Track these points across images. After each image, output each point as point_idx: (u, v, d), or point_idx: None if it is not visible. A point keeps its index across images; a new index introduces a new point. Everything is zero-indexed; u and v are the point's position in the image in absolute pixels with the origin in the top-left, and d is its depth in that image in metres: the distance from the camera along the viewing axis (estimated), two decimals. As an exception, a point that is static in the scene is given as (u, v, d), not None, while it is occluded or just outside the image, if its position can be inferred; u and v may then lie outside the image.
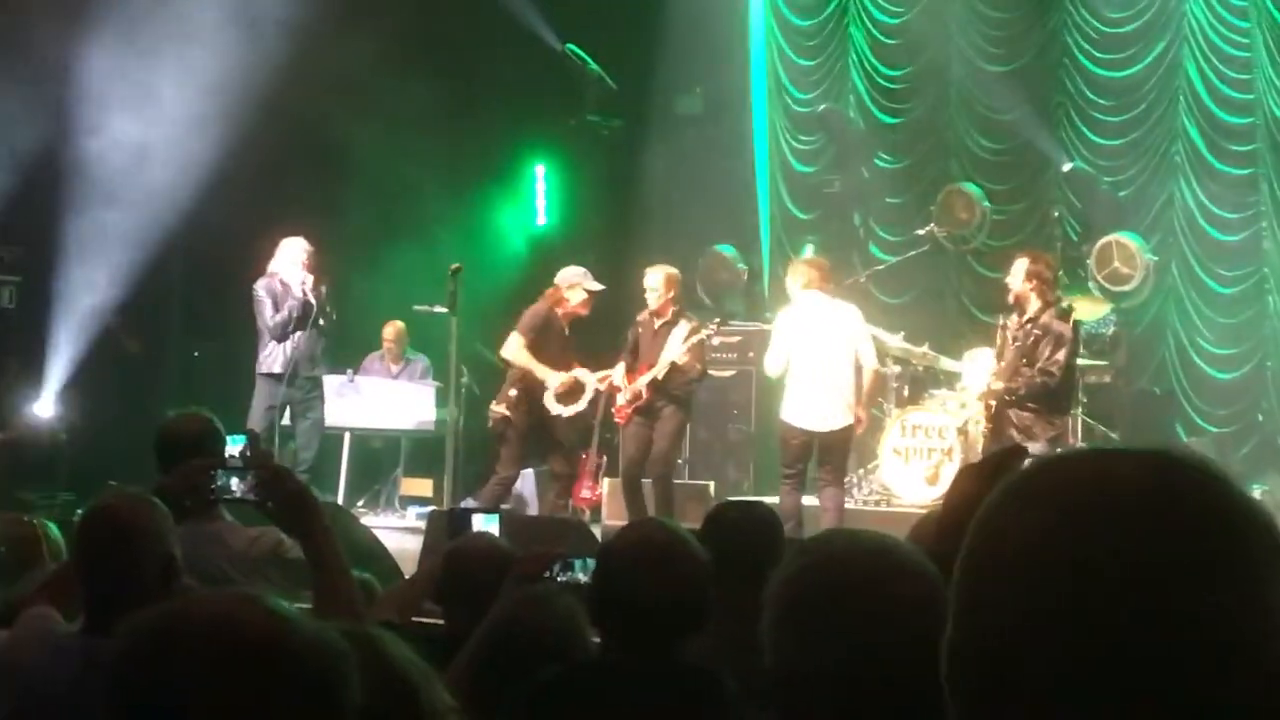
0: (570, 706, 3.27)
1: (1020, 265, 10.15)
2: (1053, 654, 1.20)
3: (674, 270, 11.45)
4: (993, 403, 10.21)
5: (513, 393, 11.34)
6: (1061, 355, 9.91)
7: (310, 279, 11.88)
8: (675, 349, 11.12)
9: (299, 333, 11.91)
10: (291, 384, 11.93)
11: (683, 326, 11.23)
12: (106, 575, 3.67)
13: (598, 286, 11.43)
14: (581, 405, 11.45)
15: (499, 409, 11.45)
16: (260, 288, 11.95)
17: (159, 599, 3.15)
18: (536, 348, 11.32)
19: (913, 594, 2.19)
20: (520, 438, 11.39)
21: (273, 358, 11.93)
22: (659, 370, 11.15)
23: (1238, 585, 1.20)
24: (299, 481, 3.87)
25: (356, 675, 1.69)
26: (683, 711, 3.15)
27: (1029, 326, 10.00)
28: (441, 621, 4.58)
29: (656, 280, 11.28)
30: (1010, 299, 10.22)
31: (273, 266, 11.99)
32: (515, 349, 11.37)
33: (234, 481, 3.92)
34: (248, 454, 4.53)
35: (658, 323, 11.30)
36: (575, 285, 11.37)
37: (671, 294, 11.27)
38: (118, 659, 1.68)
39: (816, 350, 10.55)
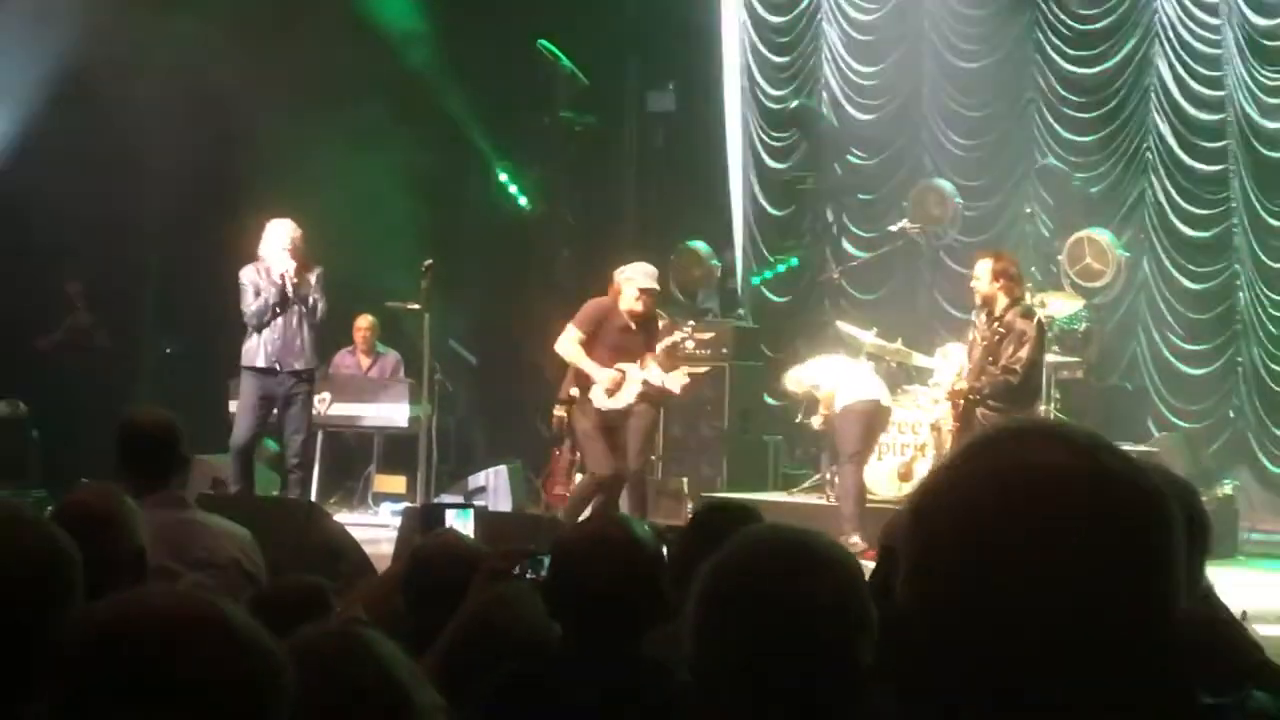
0: (527, 700, 3.28)
1: (985, 266, 10.16)
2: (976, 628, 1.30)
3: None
4: (960, 402, 10.23)
5: (574, 391, 10.81)
6: (1024, 353, 9.92)
7: (293, 266, 11.15)
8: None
9: (278, 322, 11.18)
10: (276, 377, 11.23)
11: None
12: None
13: (648, 285, 10.79)
14: (630, 398, 10.82)
15: (558, 411, 11.24)
16: (244, 274, 11.29)
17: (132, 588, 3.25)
18: (592, 342, 10.74)
19: (829, 587, 2.23)
20: (596, 434, 10.74)
21: (253, 350, 11.24)
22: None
23: (1150, 569, 1.31)
24: None
25: (292, 673, 1.76)
26: (634, 703, 3.17)
27: (995, 325, 10.03)
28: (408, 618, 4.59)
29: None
30: (979, 300, 10.23)
31: (260, 250, 11.31)
32: (566, 343, 10.75)
33: None
34: None
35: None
36: (629, 280, 10.77)
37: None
38: (67, 647, 1.76)
39: None
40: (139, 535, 3.83)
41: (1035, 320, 10.17)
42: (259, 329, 11.19)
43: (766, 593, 2.22)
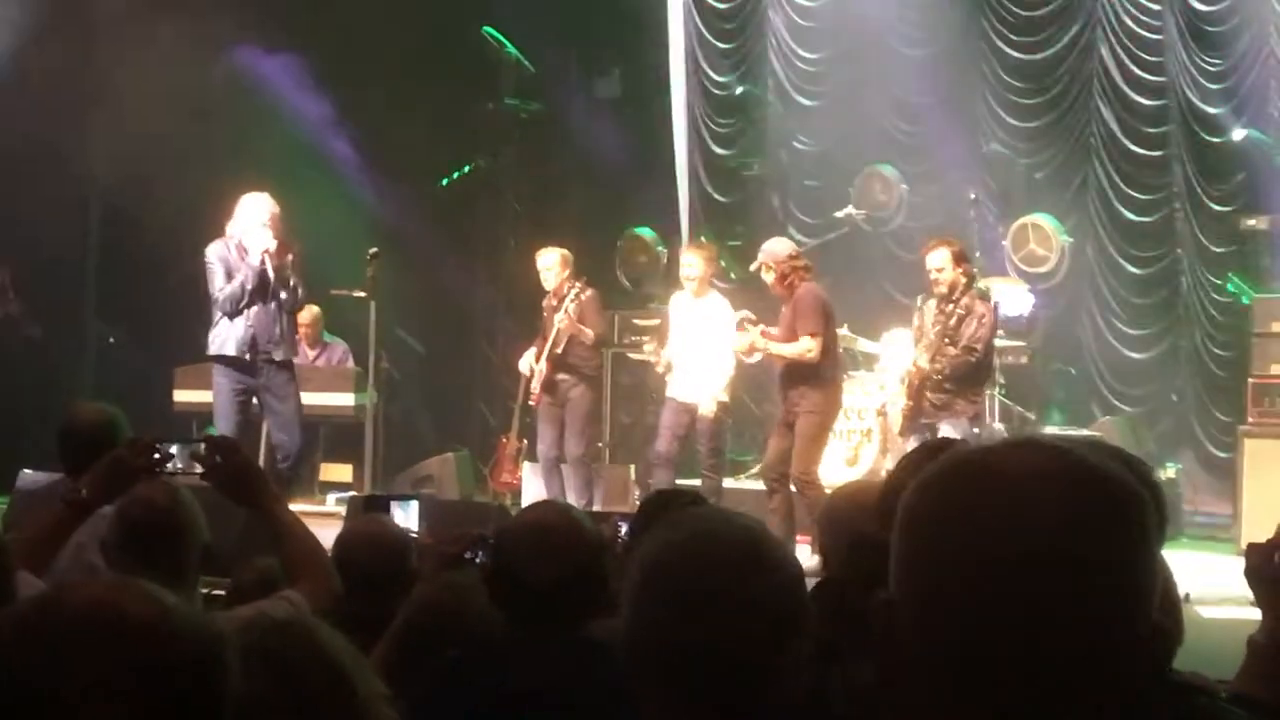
0: (468, 687, 3.28)
1: (943, 255, 10.21)
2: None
3: (566, 251, 11.65)
4: (915, 382, 10.27)
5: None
6: (984, 333, 10.09)
7: (273, 245, 10.06)
8: (560, 317, 11.31)
9: (254, 308, 10.09)
10: (251, 369, 10.17)
11: (570, 295, 11.43)
12: (151, 563, 3.81)
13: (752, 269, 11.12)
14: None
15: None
16: (212, 253, 10.12)
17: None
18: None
19: (774, 585, 2.23)
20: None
21: (223, 337, 10.15)
22: (553, 342, 11.31)
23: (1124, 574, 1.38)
24: (243, 454, 4.00)
25: (236, 660, 1.71)
26: (576, 688, 3.17)
27: (950, 308, 10.10)
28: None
29: (551, 260, 11.50)
30: (945, 288, 10.23)
31: (230, 228, 10.18)
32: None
33: (176, 452, 4.08)
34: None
35: (555, 302, 11.47)
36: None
37: (566, 273, 11.50)
38: None
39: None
40: (203, 531, 4.08)
41: (992, 303, 10.34)
42: (231, 315, 10.11)
43: (714, 591, 2.20)
